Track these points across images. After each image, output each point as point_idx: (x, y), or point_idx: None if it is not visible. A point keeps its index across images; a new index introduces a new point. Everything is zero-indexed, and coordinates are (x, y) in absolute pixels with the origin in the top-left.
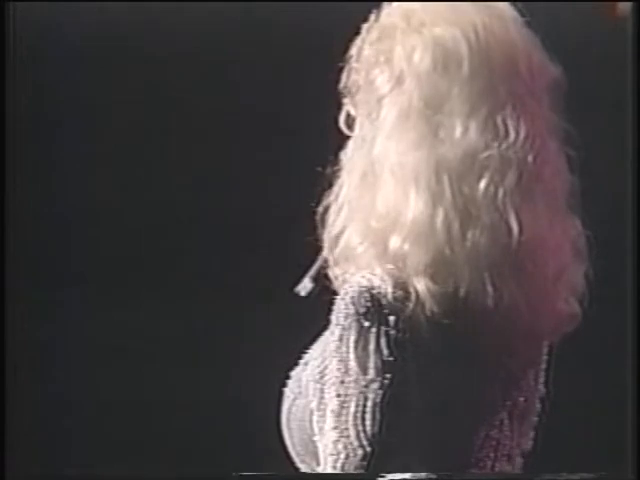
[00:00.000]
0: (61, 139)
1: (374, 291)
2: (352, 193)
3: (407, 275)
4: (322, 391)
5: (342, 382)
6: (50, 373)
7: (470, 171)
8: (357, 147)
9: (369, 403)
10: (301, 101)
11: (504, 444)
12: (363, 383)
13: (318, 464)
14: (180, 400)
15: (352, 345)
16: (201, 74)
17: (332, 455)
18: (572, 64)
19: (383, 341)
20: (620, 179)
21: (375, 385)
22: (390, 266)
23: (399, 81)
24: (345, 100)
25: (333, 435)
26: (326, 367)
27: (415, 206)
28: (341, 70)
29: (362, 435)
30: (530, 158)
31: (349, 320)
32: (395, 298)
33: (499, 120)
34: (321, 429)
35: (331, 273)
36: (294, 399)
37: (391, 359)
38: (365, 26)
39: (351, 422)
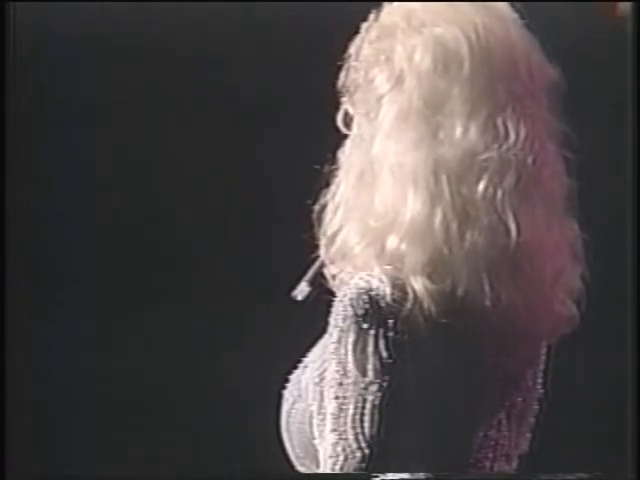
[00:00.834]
0: (61, 139)
1: (372, 293)
2: (349, 192)
3: (405, 275)
4: (322, 394)
5: (340, 384)
6: (50, 373)
7: (469, 172)
8: (355, 146)
9: (368, 405)
10: (299, 100)
11: (502, 444)
12: (362, 385)
13: (318, 467)
14: (180, 400)
15: (350, 347)
16: (200, 74)
17: (331, 457)
18: (572, 64)
19: (382, 343)
20: (620, 180)
21: (374, 387)
22: (388, 266)
23: (399, 81)
24: (343, 99)
25: (332, 437)
26: (325, 370)
27: (413, 206)
28: (339, 69)
29: (360, 437)
30: (529, 160)
31: (347, 322)
32: (393, 299)
33: (499, 121)
34: (321, 432)
35: (327, 272)
36: (293, 402)
37: (390, 361)
38: (364, 25)
39: (349, 424)
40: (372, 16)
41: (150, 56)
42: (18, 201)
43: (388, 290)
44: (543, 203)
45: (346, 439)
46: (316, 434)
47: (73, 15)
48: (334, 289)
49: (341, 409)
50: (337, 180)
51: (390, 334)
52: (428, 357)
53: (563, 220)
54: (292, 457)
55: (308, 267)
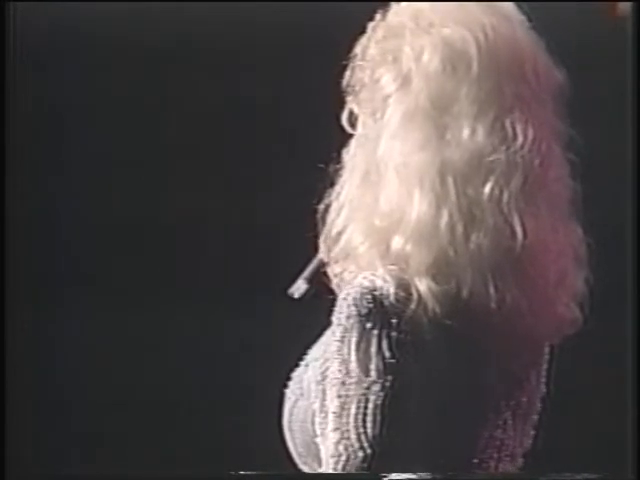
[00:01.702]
0: (61, 139)
1: (376, 292)
2: (354, 192)
3: (409, 275)
4: (324, 392)
5: (343, 383)
6: (50, 373)
7: (476, 174)
8: (360, 145)
9: (370, 405)
10: (302, 99)
11: (507, 444)
12: (364, 385)
13: (320, 466)
14: (180, 400)
15: (354, 347)
16: (202, 73)
17: (333, 457)
18: (572, 64)
19: (385, 343)
20: (620, 180)
21: (377, 387)
22: (392, 266)
23: (406, 81)
24: (348, 98)
25: (334, 437)
26: (327, 368)
27: (419, 207)
28: (344, 68)
29: (363, 437)
30: (536, 163)
31: (351, 321)
32: (397, 299)
33: (507, 123)
34: (323, 430)
35: (330, 271)
36: (296, 400)
37: (393, 361)
38: (371, 25)
39: (352, 424)
40: (379, 16)
41: (150, 55)
42: (18, 201)
43: (392, 290)
44: (548, 206)
45: (348, 438)
46: (318, 432)
47: (73, 15)
48: (336, 288)
49: (343, 408)
50: (342, 180)
51: (393, 334)
52: (431, 357)
53: (567, 223)
54: (294, 456)
55: (306, 265)
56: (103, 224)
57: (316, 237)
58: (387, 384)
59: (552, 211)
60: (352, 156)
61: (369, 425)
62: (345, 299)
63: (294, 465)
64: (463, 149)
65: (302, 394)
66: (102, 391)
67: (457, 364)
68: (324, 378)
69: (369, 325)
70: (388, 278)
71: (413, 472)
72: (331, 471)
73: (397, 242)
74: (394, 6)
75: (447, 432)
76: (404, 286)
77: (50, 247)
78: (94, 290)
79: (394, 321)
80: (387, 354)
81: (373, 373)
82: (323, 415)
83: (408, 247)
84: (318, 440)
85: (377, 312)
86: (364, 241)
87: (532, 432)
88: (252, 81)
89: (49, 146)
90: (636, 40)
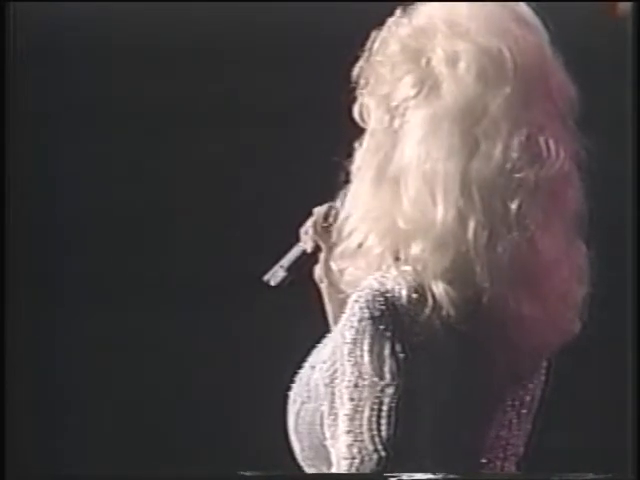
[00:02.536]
0: (61, 139)
1: (388, 294)
2: (371, 191)
3: (424, 279)
4: (333, 395)
5: (356, 386)
6: (50, 373)
7: (505, 188)
8: (377, 143)
9: (384, 407)
10: (309, 97)
11: (512, 444)
12: (378, 387)
13: (329, 468)
14: (180, 400)
15: (367, 349)
16: (202, 73)
17: (346, 459)
18: (572, 64)
19: (398, 345)
20: (620, 181)
21: (391, 389)
22: (407, 268)
23: (435, 84)
24: (362, 91)
25: (347, 439)
26: (336, 370)
27: (445, 214)
28: (356, 60)
29: (377, 439)
30: (560, 181)
31: (363, 324)
32: (410, 301)
33: (541, 141)
34: (333, 433)
35: (334, 265)
36: (302, 403)
37: (406, 363)
38: (392, 20)
39: (366, 426)
40: (400, 11)
41: (150, 55)
42: (18, 201)
43: (404, 292)
44: (563, 223)
45: (362, 441)
46: (327, 435)
47: (73, 15)
48: (340, 284)
49: (356, 411)
50: (357, 177)
51: (406, 336)
52: (442, 360)
53: (576, 240)
54: (300, 458)
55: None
56: (103, 224)
57: (299, 226)
58: (400, 386)
59: (566, 229)
60: (368, 153)
61: (383, 427)
62: (357, 301)
63: (298, 467)
64: (494, 163)
65: (309, 396)
66: (102, 391)
67: (467, 367)
68: (332, 380)
69: (382, 327)
70: (401, 280)
71: (423, 472)
72: (343, 473)
73: (417, 245)
74: (422, 6)
75: (456, 432)
76: (418, 289)
77: (50, 247)
78: (94, 290)
79: (407, 323)
80: (400, 356)
81: (387, 375)
82: (332, 418)
83: (428, 251)
84: (327, 442)
85: (390, 314)
86: (380, 242)
87: (531, 431)
88: (252, 81)
89: (49, 146)
90: (636, 40)
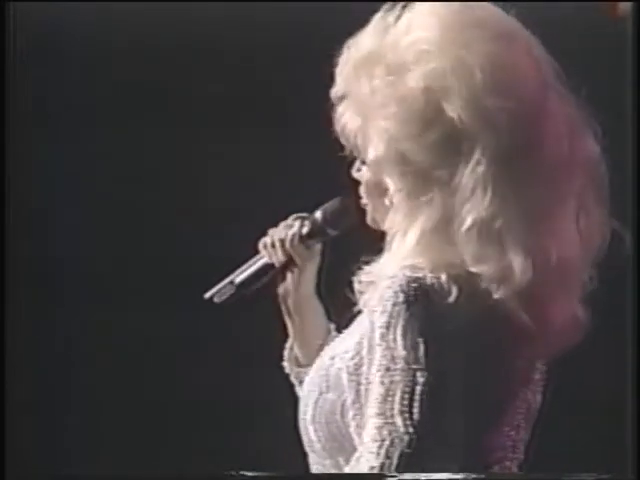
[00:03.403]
0: (61, 139)
1: (422, 281)
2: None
3: (457, 269)
4: (359, 383)
5: (387, 370)
6: (50, 373)
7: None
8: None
9: (417, 391)
10: (311, 94)
11: (518, 448)
12: (411, 371)
13: (346, 460)
14: (180, 400)
15: (400, 333)
16: (203, 73)
17: (376, 441)
18: (572, 64)
19: (431, 330)
20: (620, 180)
21: (423, 373)
22: (437, 257)
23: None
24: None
25: (377, 421)
26: (362, 359)
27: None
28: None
29: (409, 422)
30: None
31: (397, 308)
32: (442, 288)
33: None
34: (359, 421)
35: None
36: (321, 393)
37: (438, 348)
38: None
39: (397, 409)
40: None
41: (150, 55)
42: (18, 201)
43: (437, 279)
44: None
45: (393, 423)
46: (352, 424)
47: (73, 15)
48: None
49: (388, 394)
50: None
51: (439, 321)
52: (472, 347)
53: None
54: (314, 450)
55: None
56: (103, 224)
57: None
58: (432, 370)
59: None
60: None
61: (415, 410)
62: (390, 287)
63: (305, 467)
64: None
65: (328, 386)
66: (102, 391)
67: (493, 355)
68: (357, 369)
69: (416, 312)
70: (434, 269)
71: (442, 465)
72: (373, 457)
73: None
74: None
75: (476, 426)
76: (450, 276)
77: (50, 247)
78: (94, 290)
79: (439, 309)
80: (433, 341)
81: (420, 360)
82: (358, 406)
83: (463, 244)
84: (351, 431)
85: (423, 299)
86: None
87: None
88: (252, 81)
89: (49, 146)
90: (636, 40)
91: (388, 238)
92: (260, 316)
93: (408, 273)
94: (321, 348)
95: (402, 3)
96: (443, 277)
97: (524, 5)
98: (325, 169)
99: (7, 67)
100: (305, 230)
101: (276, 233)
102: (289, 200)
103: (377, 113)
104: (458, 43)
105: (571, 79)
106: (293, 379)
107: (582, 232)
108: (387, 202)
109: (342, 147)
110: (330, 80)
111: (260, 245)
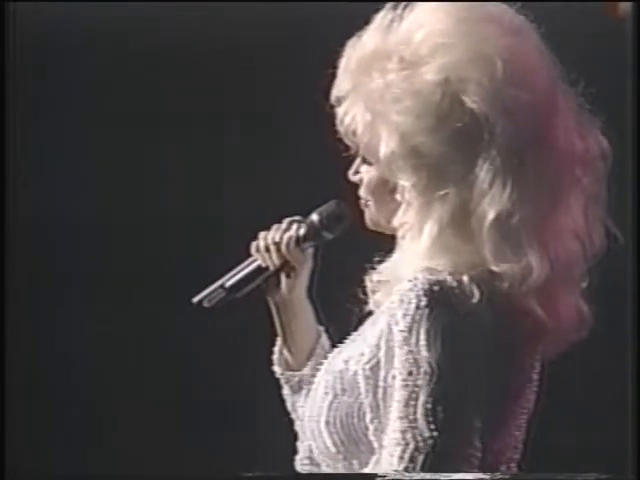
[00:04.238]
0: (61, 139)
1: (443, 284)
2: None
3: (477, 272)
4: (376, 386)
5: (410, 373)
6: (50, 373)
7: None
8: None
9: (440, 394)
10: (310, 95)
11: (520, 445)
12: (435, 374)
13: (361, 463)
14: (180, 400)
15: (423, 336)
16: (202, 73)
17: (399, 445)
18: (572, 64)
19: (453, 333)
20: (619, 180)
21: (445, 377)
22: (457, 259)
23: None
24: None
25: (400, 425)
26: (378, 362)
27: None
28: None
29: (433, 425)
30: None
31: (420, 312)
32: (462, 291)
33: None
34: (377, 425)
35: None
36: (336, 395)
37: (460, 351)
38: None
39: (421, 412)
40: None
41: (150, 54)
42: (18, 201)
43: (457, 282)
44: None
45: (416, 427)
46: (370, 427)
47: (73, 15)
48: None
49: (411, 397)
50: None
51: (461, 324)
52: (493, 349)
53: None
54: (327, 453)
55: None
56: (103, 224)
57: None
58: (455, 373)
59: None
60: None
61: (439, 413)
62: (412, 290)
63: (312, 462)
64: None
65: (344, 389)
66: (102, 391)
67: (507, 364)
68: (373, 372)
69: (439, 315)
70: (453, 270)
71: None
72: (395, 461)
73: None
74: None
75: (492, 427)
76: (471, 279)
77: (50, 247)
78: (94, 290)
79: (461, 312)
80: (455, 344)
81: (443, 363)
82: (375, 409)
83: (482, 250)
84: (369, 433)
85: (445, 303)
86: (432, 246)
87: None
88: (252, 82)
89: (49, 146)
90: (636, 40)
91: (400, 236)
92: (260, 316)
93: (429, 276)
94: (311, 352)
95: (403, 3)
96: (465, 279)
97: (525, 5)
98: (317, 172)
99: (7, 67)
100: (302, 233)
101: (269, 236)
102: (279, 203)
103: (389, 108)
104: (474, 36)
105: (571, 79)
106: (283, 383)
107: (587, 226)
108: (397, 199)
109: (335, 149)
110: (326, 82)
111: (252, 248)
